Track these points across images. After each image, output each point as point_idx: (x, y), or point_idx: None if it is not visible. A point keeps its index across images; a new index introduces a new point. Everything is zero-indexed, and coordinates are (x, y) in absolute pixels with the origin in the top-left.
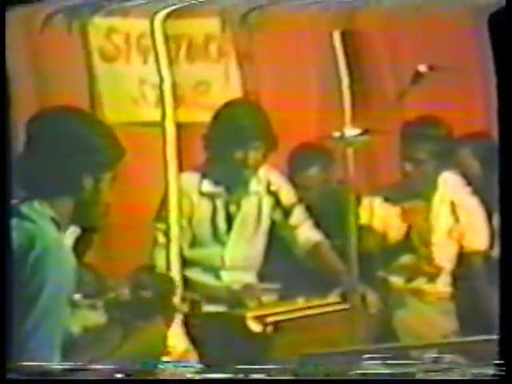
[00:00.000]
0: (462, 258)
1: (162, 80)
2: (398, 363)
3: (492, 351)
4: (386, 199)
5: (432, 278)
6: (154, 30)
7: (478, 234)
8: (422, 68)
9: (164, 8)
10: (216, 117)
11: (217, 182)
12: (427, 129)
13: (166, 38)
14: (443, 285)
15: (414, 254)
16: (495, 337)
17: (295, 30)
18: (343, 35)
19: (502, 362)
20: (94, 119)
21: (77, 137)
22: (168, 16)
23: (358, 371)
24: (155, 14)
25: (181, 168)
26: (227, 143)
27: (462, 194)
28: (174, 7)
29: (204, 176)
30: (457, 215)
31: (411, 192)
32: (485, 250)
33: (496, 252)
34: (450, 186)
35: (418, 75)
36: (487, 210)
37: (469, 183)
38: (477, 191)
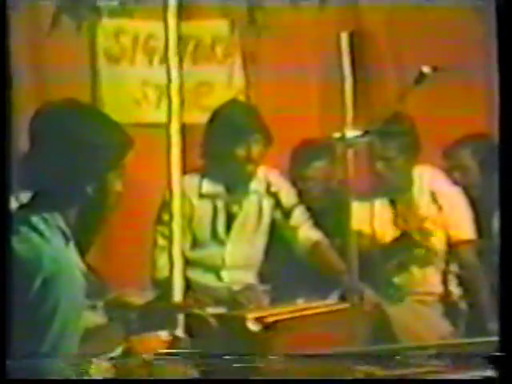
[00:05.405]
0: (451, 249)
1: (169, 81)
2: (397, 364)
3: (491, 351)
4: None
5: (427, 273)
6: (167, 31)
7: (463, 223)
8: (426, 69)
9: (173, 8)
10: (212, 119)
11: (217, 183)
12: (391, 126)
13: (179, 39)
14: (438, 280)
15: (409, 250)
16: (494, 337)
17: (299, 31)
18: (347, 36)
19: (501, 362)
20: (96, 112)
21: (82, 132)
22: (181, 17)
23: (357, 372)
24: (168, 14)
25: (184, 170)
26: (228, 141)
27: (442, 184)
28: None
29: (204, 178)
30: (439, 204)
31: (389, 189)
32: (471, 240)
33: (496, 251)
34: (427, 178)
35: (421, 76)
36: (487, 211)
37: (468, 184)
38: (476, 192)
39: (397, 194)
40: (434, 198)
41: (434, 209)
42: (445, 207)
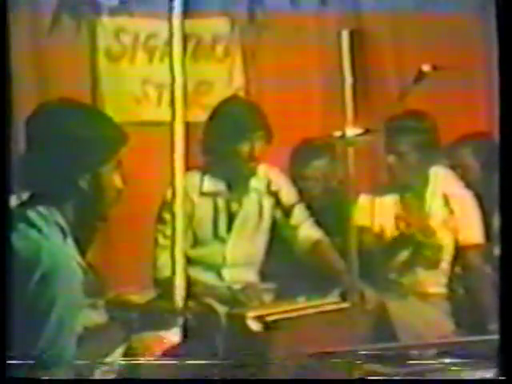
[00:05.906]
0: (458, 252)
1: (173, 79)
2: (398, 363)
3: (492, 351)
4: (382, 196)
5: (431, 275)
6: (171, 29)
7: (472, 227)
8: (426, 67)
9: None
10: (212, 116)
11: (218, 181)
12: (410, 122)
13: (184, 38)
14: (442, 283)
15: (413, 249)
16: (495, 337)
17: (299, 29)
18: (347, 34)
19: (502, 362)
20: (89, 108)
21: (74, 128)
22: (185, 16)
23: (358, 371)
24: (172, 13)
25: (187, 168)
26: (230, 137)
27: (455, 187)
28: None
29: (204, 176)
30: (450, 207)
31: (399, 185)
32: (480, 244)
33: (496, 252)
34: (442, 179)
35: (421, 74)
36: (487, 210)
37: (469, 183)
38: (477, 191)
39: (407, 190)
40: (446, 200)
41: (445, 211)
42: (456, 211)
